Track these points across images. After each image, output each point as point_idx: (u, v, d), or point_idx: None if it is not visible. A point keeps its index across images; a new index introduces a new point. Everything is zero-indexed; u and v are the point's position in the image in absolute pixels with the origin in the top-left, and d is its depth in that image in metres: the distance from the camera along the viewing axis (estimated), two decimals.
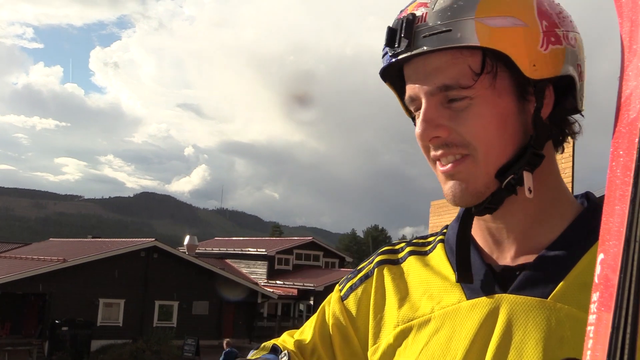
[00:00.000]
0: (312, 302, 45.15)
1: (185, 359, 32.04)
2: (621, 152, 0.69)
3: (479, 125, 0.96)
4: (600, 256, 0.68)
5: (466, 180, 0.99)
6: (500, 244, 1.04)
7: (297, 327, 1.34)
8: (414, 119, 1.07)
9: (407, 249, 1.19)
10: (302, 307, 45.89)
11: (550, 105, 0.99)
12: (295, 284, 45.07)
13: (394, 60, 1.00)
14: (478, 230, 1.07)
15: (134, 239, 39.61)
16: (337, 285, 1.26)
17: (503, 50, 0.93)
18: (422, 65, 0.98)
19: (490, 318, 0.96)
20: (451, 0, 0.95)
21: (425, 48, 0.95)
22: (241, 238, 61.10)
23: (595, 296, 0.67)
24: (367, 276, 1.20)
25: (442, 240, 1.14)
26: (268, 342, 1.27)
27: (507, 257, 1.03)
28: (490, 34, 0.92)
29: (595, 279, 0.68)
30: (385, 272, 1.17)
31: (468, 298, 1.01)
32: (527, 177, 0.97)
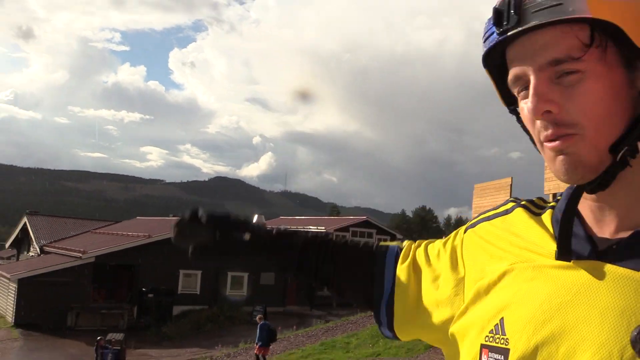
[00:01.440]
0: None
1: (254, 324, 32.47)
2: None
3: (590, 101, 0.87)
4: None
5: (578, 155, 0.89)
6: (600, 220, 0.95)
7: None
8: (511, 109, 1.02)
9: (523, 203, 1.09)
10: None
11: None
12: None
13: (501, 38, 0.91)
14: (582, 204, 0.98)
15: None
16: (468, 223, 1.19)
17: (615, 22, 0.84)
18: (529, 42, 0.89)
19: (581, 280, 0.89)
20: None
21: (535, 22, 0.86)
22: (303, 217, 61.33)
23: None
24: (488, 218, 1.13)
25: (552, 207, 1.04)
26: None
27: (606, 232, 0.94)
28: (602, 5, 0.84)
29: None
30: (499, 221, 1.09)
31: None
32: None
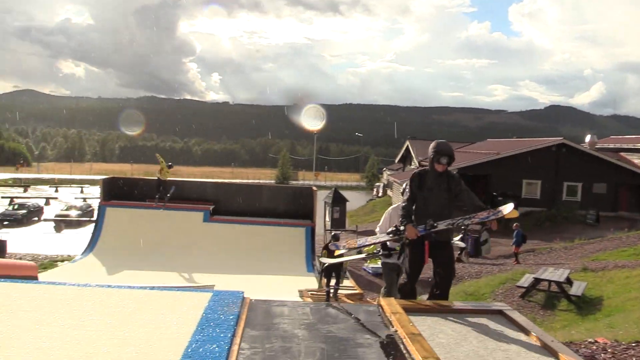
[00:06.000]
0: None
1: (587, 225, 30.96)
2: None
3: None
4: None
5: None
6: None
7: None
8: None
9: None
10: None
11: None
12: None
13: None
14: None
15: (546, 139, 38.61)
16: None
17: None
18: None
19: None
20: None
21: None
22: (632, 136, 54.14)
23: None
24: None
25: None
26: None
27: None
28: None
29: None
30: None
31: None
32: None
